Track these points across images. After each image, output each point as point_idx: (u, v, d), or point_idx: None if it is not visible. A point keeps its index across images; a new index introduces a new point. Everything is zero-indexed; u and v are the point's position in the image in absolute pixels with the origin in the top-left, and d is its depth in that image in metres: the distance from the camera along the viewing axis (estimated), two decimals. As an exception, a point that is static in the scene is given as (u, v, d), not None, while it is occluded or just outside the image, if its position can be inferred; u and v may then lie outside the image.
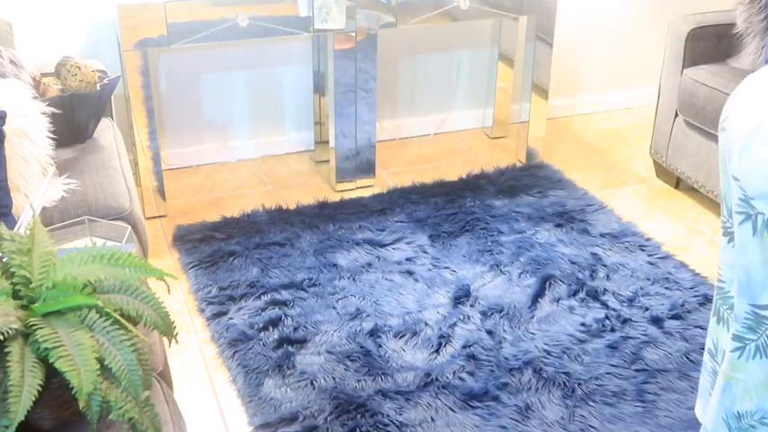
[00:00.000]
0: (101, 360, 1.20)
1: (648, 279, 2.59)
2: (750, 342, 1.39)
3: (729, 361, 1.43)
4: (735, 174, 1.32)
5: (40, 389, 1.15)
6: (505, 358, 2.24)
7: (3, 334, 1.16)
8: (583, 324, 2.38)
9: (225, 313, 2.43)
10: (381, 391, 2.11)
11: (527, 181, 3.24)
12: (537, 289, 2.53)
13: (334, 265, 2.66)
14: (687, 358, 2.24)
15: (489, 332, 2.34)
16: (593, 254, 2.73)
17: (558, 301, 2.48)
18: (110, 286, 1.33)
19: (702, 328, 2.35)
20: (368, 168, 3.23)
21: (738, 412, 1.43)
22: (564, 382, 2.15)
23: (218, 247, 2.76)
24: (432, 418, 2.03)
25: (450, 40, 3.60)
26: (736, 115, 1.34)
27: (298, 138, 3.54)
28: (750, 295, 1.36)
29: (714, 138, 2.92)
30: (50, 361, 1.17)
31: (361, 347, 2.28)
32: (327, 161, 3.38)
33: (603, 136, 3.75)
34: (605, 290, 2.53)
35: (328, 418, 2.02)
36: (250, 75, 3.36)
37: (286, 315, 2.40)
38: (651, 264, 2.67)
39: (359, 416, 2.03)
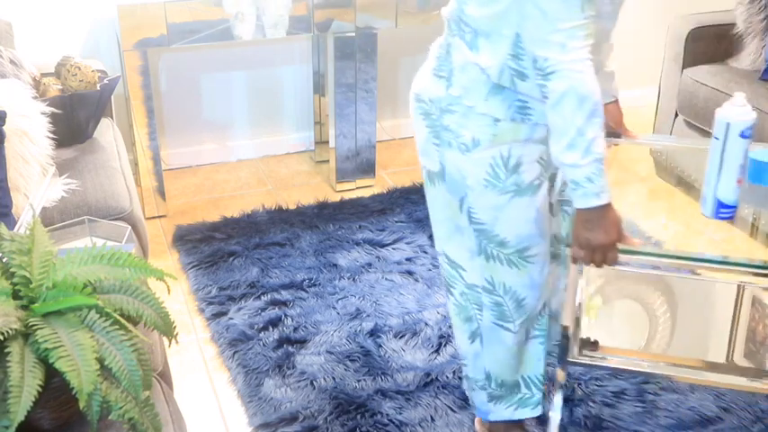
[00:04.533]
0: (101, 360, 1.20)
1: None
2: None
3: None
4: None
5: (39, 389, 1.15)
6: (505, 358, 2.23)
7: (3, 334, 1.16)
8: (583, 324, 2.37)
9: (225, 313, 2.43)
10: (381, 391, 2.11)
11: (527, 181, 3.23)
12: (537, 289, 2.53)
13: (334, 265, 2.66)
14: (687, 358, 2.24)
15: (489, 332, 2.34)
16: (593, 254, 2.72)
17: (557, 301, 2.48)
18: (110, 286, 1.33)
19: (702, 328, 2.35)
20: (368, 168, 3.23)
21: None
22: (564, 383, 2.14)
23: (218, 247, 2.76)
24: (431, 418, 2.03)
25: (450, 40, 3.60)
26: None
27: (298, 138, 3.54)
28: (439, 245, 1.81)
29: (714, 138, 2.91)
30: (50, 361, 1.17)
31: (361, 347, 2.28)
32: (327, 161, 3.38)
33: (603, 136, 3.74)
34: (605, 290, 2.53)
35: (328, 418, 2.02)
36: (250, 75, 3.36)
37: (286, 315, 2.40)
38: (651, 264, 2.67)
39: (359, 416, 2.03)
